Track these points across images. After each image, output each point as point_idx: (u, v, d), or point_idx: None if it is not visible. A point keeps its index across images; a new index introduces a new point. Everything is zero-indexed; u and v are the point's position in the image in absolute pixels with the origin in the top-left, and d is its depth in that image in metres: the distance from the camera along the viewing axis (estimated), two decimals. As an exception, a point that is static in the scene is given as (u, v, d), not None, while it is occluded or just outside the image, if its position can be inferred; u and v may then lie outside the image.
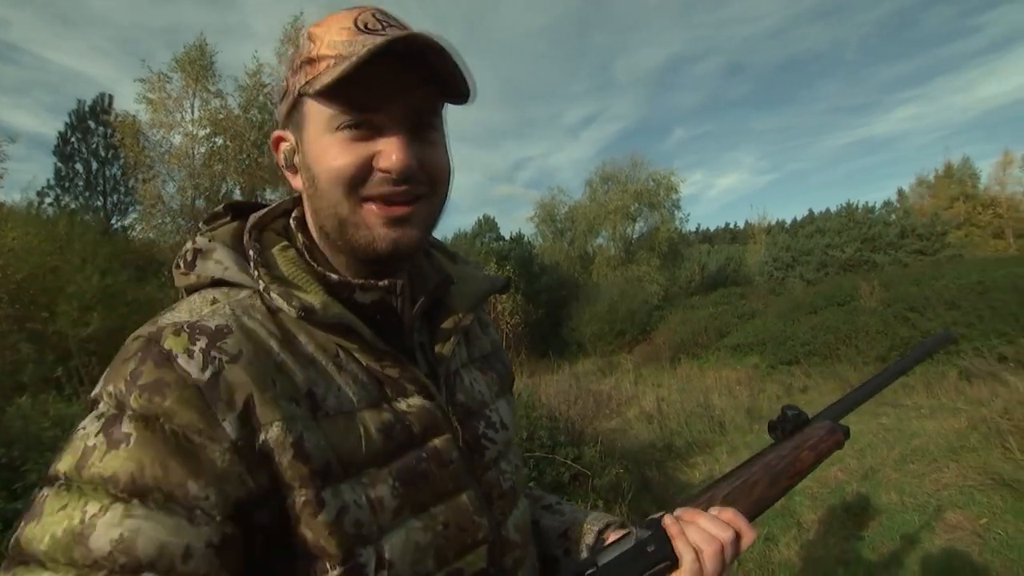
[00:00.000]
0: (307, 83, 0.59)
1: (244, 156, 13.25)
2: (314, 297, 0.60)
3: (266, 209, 0.69)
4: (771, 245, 23.26)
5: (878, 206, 23.11)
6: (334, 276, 0.63)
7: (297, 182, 0.65)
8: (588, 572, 0.67)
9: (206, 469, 0.50)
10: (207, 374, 0.52)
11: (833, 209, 22.51)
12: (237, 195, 13.20)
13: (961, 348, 8.56)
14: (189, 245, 0.64)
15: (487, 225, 23.85)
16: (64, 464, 0.49)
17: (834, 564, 3.23)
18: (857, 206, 21.26)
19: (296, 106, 0.62)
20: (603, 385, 9.63)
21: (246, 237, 0.64)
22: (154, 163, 13.38)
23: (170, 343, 0.53)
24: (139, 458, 0.48)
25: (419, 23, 0.60)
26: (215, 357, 0.53)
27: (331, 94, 0.57)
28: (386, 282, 0.64)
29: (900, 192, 26.33)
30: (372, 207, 0.60)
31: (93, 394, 0.53)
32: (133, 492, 0.48)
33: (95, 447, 0.49)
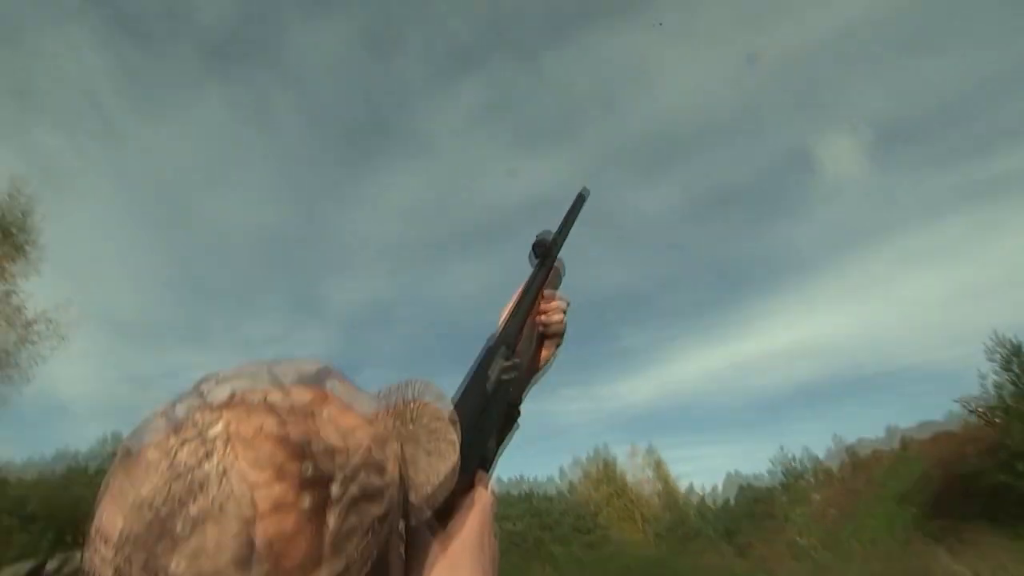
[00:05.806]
0: None
1: None
2: None
3: None
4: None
5: (544, 480, 30.02)
6: None
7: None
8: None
9: None
10: None
11: (505, 479, 28.81)
12: None
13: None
14: None
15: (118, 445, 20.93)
16: None
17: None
18: (528, 479, 27.52)
19: None
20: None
21: None
22: None
23: None
24: None
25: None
26: None
27: None
28: None
29: (561, 469, 33.75)
30: None
31: None
32: None
33: None
